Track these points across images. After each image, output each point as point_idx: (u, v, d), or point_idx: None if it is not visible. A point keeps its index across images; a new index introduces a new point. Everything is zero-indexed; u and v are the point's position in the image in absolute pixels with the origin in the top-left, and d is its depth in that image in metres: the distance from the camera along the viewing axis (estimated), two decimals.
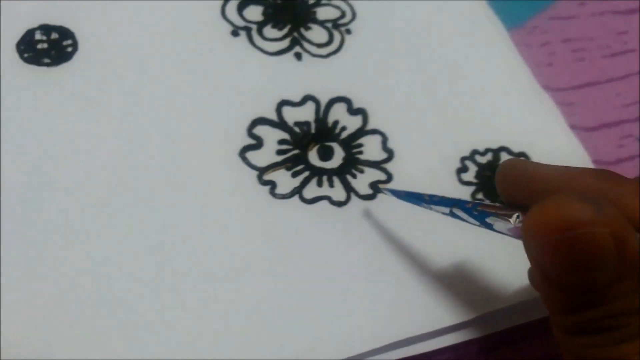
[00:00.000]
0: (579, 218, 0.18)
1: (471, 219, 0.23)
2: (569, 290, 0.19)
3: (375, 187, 0.30)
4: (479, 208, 0.23)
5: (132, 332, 0.25)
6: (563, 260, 0.18)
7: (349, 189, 0.30)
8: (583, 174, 0.22)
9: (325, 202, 0.29)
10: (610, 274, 0.18)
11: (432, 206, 0.26)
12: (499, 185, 0.24)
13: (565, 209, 0.18)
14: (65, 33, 0.31)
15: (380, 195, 0.30)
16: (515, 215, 0.21)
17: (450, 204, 0.24)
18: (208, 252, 0.27)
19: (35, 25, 0.31)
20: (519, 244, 0.21)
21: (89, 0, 0.32)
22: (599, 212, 0.18)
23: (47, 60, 0.31)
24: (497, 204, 0.22)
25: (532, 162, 0.25)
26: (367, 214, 0.29)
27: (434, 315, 0.27)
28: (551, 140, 0.33)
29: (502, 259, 0.28)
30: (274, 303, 0.27)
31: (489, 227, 0.22)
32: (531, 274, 0.25)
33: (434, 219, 0.27)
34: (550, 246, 0.18)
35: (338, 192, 0.30)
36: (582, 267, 0.18)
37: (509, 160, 0.24)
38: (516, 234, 0.21)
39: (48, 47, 0.31)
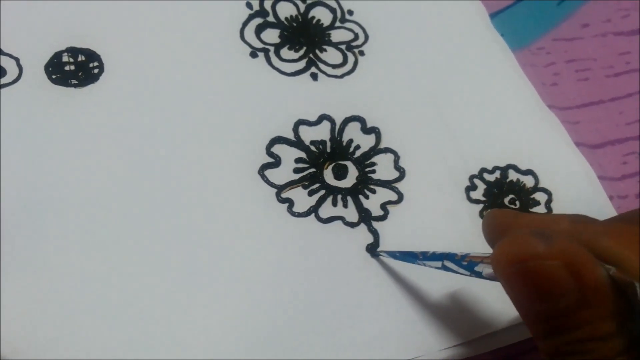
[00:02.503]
0: (529, 251, 0.20)
1: (461, 270, 0.24)
2: (537, 318, 0.21)
3: (385, 208, 0.31)
4: (467, 259, 0.24)
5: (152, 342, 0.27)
6: (522, 291, 0.20)
7: (361, 210, 0.31)
8: (558, 219, 0.23)
9: (339, 223, 0.31)
10: (570, 302, 0.20)
11: (425, 262, 0.27)
12: (484, 234, 0.26)
13: (517, 244, 0.20)
14: (91, 55, 0.33)
15: (390, 217, 0.31)
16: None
17: (441, 258, 0.25)
18: (228, 266, 0.29)
19: (63, 48, 0.33)
20: None
21: (115, 25, 0.34)
22: (550, 245, 0.20)
23: (74, 82, 0.32)
24: (484, 254, 0.23)
25: (512, 211, 0.27)
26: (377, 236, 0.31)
27: (443, 335, 0.28)
28: (558, 157, 0.35)
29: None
30: (285, 318, 0.28)
31: (479, 275, 0.23)
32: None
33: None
34: (509, 278, 0.21)
35: (351, 213, 0.31)
36: (540, 296, 0.20)
37: (491, 210, 0.26)
38: (492, 278, 0.23)
39: (75, 68, 0.32)
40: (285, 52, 0.35)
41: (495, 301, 0.29)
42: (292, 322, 0.28)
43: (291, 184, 0.31)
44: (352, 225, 0.31)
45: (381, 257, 0.30)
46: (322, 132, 0.33)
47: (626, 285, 0.20)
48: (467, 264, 0.24)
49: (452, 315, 0.29)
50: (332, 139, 0.33)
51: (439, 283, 0.29)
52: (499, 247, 0.21)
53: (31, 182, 0.29)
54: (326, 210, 0.31)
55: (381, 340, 0.28)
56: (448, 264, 0.25)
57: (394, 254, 0.29)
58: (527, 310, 0.21)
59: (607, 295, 0.20)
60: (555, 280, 0.20)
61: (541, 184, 0.34)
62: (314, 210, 0.31)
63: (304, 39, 0.36)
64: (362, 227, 0.31)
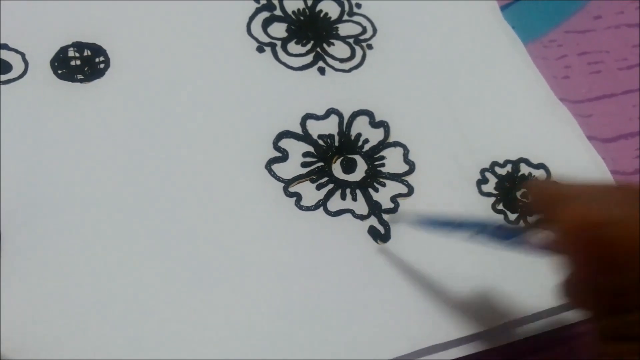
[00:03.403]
0: (607, 216, 0.19)
1: (496, 240, 0.24)
2: (601, 293, 0.20)
3: (395, 201, 0.31)
4: (506, 229, 0.23)
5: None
6: (591, 261, 0.19)
7: (371, 202, 0.31)
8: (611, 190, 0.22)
9: (348, 215, 0.30)
10: (638, 274, 0.19)
11: (457, 231, 0.26)
12: (533, 202, 0.24)
13: (593, 208, 0.19)
14: (97, 50, 0.32)
15: (400, 210, 0.31)
16: (543, 231, 0.22)
17: (474, 227, 0.25)
18: (236, 260, 0.28)
19: (69, 42, 0.33)
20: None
21: (120, 19, 0.33)
22: (629, 212, 0.19)
23: (80, 77, 0.32)
24: (531, 224, 0.22)
25: (566, 182, 0.25)
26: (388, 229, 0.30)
27: (458, 324, 0.28)
28: (569, 151, 0.34)
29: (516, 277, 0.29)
30: (295, 311, 0.28)
31: (517, 246, 0.23)
32: (565, 286, 0.26)
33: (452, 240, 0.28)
34: (579, 246, 0.19)
35: (361, 206, 0.31)
36: (612, 267, 0.19)
37: (539, 180, 0.25)
38: (543, 248, 0.22)
39: (81, 63, 0.32)
40: (293, 47, 0.35)
41: (504, 296, 0.29)
42: (302, 315, 0.27)
43: (299, 178, 0.31)
44: (362, 217, 0.30)
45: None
46: (330, 126, 0.33)
47: None
48: (506, 233, 0.23)
49: (461, 307, 0.28)
50: (341, 132, 0.32)
51: (448, 275, 0.29)
52: (572, 211, 0.20)
53: (38, 178, 0.29)
54: (335, 203, 0.30)
55: (389, 332, 0.28)
56: (481, 235, 0.24)
57: (424, 222, 0.28)
58: (590, 285, 0.20)
59: None
60: (633, 249, 0.18)
61: (553, 178, 0.33)
62: (322, 203, 0.30)
63: (312, 33, 0.35)
64: (372, 219, 0.30)
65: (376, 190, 0.31)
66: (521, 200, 0.32)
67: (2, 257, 0.27)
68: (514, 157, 0.33)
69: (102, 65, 0.32)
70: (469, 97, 0.35)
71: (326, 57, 0.35)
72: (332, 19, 0.36)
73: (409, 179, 0.32)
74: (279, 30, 0.35)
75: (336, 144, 0.32)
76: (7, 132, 0.30)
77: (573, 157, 0.34)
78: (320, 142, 0.32)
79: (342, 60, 0.35)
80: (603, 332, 0.20)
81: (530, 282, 0.29)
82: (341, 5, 0.37)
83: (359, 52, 0.35)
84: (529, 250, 0.23)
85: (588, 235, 0.19)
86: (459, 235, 0.26)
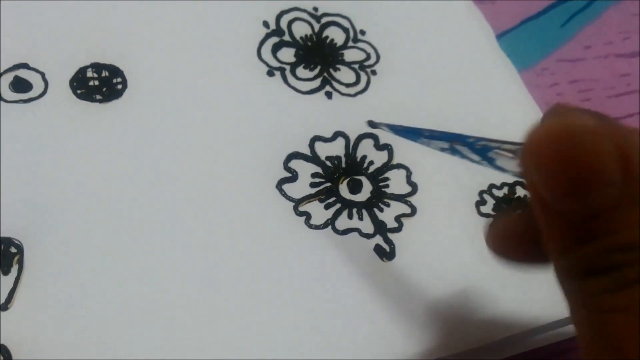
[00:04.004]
0: (581, 126, 0.17)
1: (472, 155, 0.22)
2: (571, 218, 0.17)
3: (400, 220, 0.33)
4: (482, 144, 0.22)
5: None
6: (563, 177, 0.17)
7: (376, 222, 0.32)
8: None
9: (355, 234, 0.32)
10: (613, 195, 0.17)
11: (431, 141, 0.24)
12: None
13: (568, 118, 0.17)
14: (115, 71, 0.34)
15: (404, 229, 0.32)
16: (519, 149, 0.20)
17: (450, 138, 0.23)
18: (247, 278, 0.30)
19: (87, 63, 0.34)
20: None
21: (136, 42, 0.35)
22: (603, 122, 0.17)
23: (99, 97, 0.33)
24: (501, 140, 0.21)
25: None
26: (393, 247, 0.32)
27: (461, 339, 0.29)
28: None
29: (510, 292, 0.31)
30: (303, 328, 0.29)
31: (491, 162, 0.21)
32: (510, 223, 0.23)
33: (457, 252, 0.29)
34: (544, 162, 0.17)
35: (367, 225, 0.32)
36: (584, 184, 0.16)
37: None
38: (514, 169, 0.21)
39: (99, 84, 0.33)
40: (301, 71, 0.36)
41: (510, 305, 0.30)
42: (310, 332, 0.29)
43: (308, 198, 0.32)
44: (368, 236, 0.32)
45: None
46: (337, 148, 0.34)
47: None
48: (480, 148, 0.22)
49: (464, 322, 0.30)
50: (347, 154, 0.34)
51: (452, 291, 0.30)
52: (543, 125, 0.17)
53: (57, 194, 0.30)
54: (342, 222, 0.32)
55: (393, 347, 0.29)
56: (458, 146, 0.23)
57: (394, 128, 0.28)
58: (559, 207, 0.17)
59: None
60: (603, 164, 0.16)
61: None
62: (330, 222, 0.32)
63: (319, 58, 0.37)
64: (378, 238, 0.32)
65: (381, 210, 0.33)
66: None
67: (24, 273, 0.28)
68: (510, 180, 0.35)
69: (119, 86, 0.33)
70: (468, 122, 0.37)
71: (333, 82, 0.36)
72: (338, 45, 0.38)
73: (412, 199, 0.33)
74: (287, 55, 0.37)
75: (343, 165, 0.34)
76: (28, 150, 0.31)
77: None
78: (328, 163, 0.34)
79: (348, 85, 0.37)
80: (571, 268, 0.18)
81: (533, 297, 0.30)
82: (346, 31, 0.39)
83: (363, 77, 0.37)
84: (502, 169, 0.21)
85: (557, 148, 0.17)
86: (437, 145, 0.25)
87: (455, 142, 0.23)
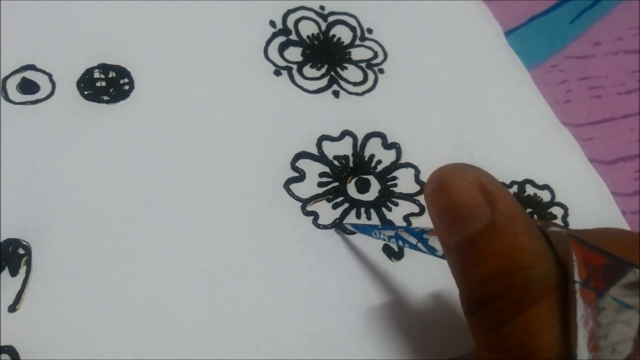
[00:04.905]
0: (449, 168, 0.20)
1: (411, 238, 0.25)
2: (453, 248, 0.20)
3: (408, 220, 0.32)
4: (419, 228, 0.24)
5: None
6: (439, 213, 0.20)
7: (384, 221, 0.32)
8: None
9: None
10: (482, 225, 0.19)
11: (381, 231, 0.28)
12: None
13: (443, 167, 0.21)
14: (122, 72, 0.34)
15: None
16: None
17: (395, 228, 0.26)
18: (256, 277, 0.29)
19: (94, 64, 0.34)
20: None
21: (143, 42, 0.35)
22: (469, 167, 0.20)
23: (106, 98, 0.33)
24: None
25: None
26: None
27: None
28: (573, 173, 0.36)
29: None
30: (313, 328, 0.29)
31: (424, 243, 0.24)
32: None
33: None
34: (430, 198, 0.21)
35: (375, 224, 0.32)
36: (454, 218, 0.19)
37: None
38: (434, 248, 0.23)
39: (106, 85, 0.33)
40: (308, 70, 0.36)
41: None
42: (318, 331, 0.29)
43: (316, 198, 0.32)
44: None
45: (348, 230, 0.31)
46: (344, 148, 0.34)
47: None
48: (418, 231, 0.24)
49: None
50: (355, 154, 0.34)
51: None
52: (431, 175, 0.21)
53: (64, 195, 0.30)
54: (350, 222, 0.32)
55: (401, 347, 0.29)
56: (402, 233, 0.26)
57: (356, 227, 0.30)
58: (445, 239, 0.20)
59: (522, 224, 0.19)
60: (467, 198, 0.19)
61: (557, 199, 0.35)
62: (338, 222, 0.31)
63: (326, 57, 0.37)
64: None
65: (389, 209, 0.33)
66: None
67: (32, 274, 0.28)
68: (519, 178, 0.35)
69: (126, 87, 0.33)
70: (476, 120, 0.36)
71: (340, 81, 0.36)
72: (345, 43, 0.38)
73: (420, 198, 0.33)
74: (294, 54, 0.37)
75: (351, 164, 0.34)
76: (35, 151, 0.31)
77: (576, 178, 0.36)
78: (336, 162, 0.33)
79: (355, 84, 0.36)
80: (463, 302, 0.21)
81: None
82: (353, 30, 0.38)
83: (371, 76, 0.37)
84: (432, 248, 0.24)
85: (434, 185, 0.20)
86: (386, 234, 0.27)
87: (398, 230, 0.26)
